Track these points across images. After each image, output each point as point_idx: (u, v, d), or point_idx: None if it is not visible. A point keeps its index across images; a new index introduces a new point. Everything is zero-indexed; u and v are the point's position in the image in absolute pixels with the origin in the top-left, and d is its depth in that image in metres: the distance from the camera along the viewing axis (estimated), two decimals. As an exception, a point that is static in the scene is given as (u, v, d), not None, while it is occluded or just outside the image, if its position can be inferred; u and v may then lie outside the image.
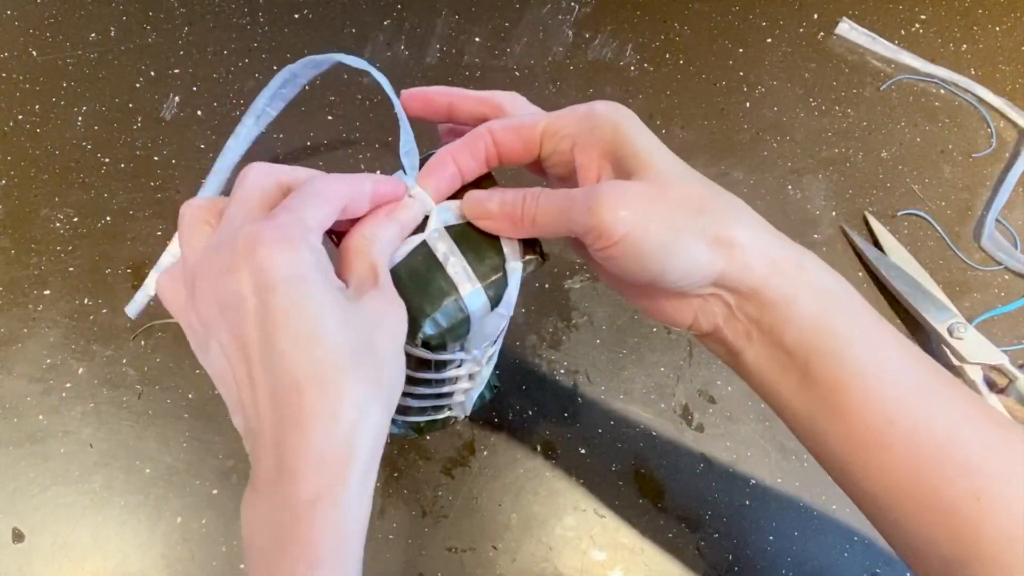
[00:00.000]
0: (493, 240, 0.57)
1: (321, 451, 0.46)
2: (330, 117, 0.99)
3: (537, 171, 0.61)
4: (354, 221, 0.55)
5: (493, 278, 0.56)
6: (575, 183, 0.56)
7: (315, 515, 0.46)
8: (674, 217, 0.50)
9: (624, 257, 0.50)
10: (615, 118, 0.54)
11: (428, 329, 0.55)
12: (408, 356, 0.57)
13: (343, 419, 0.46)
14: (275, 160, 0.93)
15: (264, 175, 0.53)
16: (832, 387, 0.50)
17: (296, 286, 0.46)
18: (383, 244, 0.54)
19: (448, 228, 0.57)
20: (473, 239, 0.57)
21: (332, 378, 0.46)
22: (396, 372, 0.52)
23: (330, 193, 0.52)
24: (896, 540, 0.53)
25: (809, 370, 0.51)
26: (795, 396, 0.53)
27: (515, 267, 0.57)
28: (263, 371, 0.46)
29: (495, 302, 0.56)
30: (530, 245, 0.57)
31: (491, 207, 0.56)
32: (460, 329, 0.56)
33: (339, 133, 0.99)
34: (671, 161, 0.53)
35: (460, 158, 0.57)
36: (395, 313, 0.51)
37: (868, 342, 0.50)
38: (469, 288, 0.55)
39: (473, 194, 0.57)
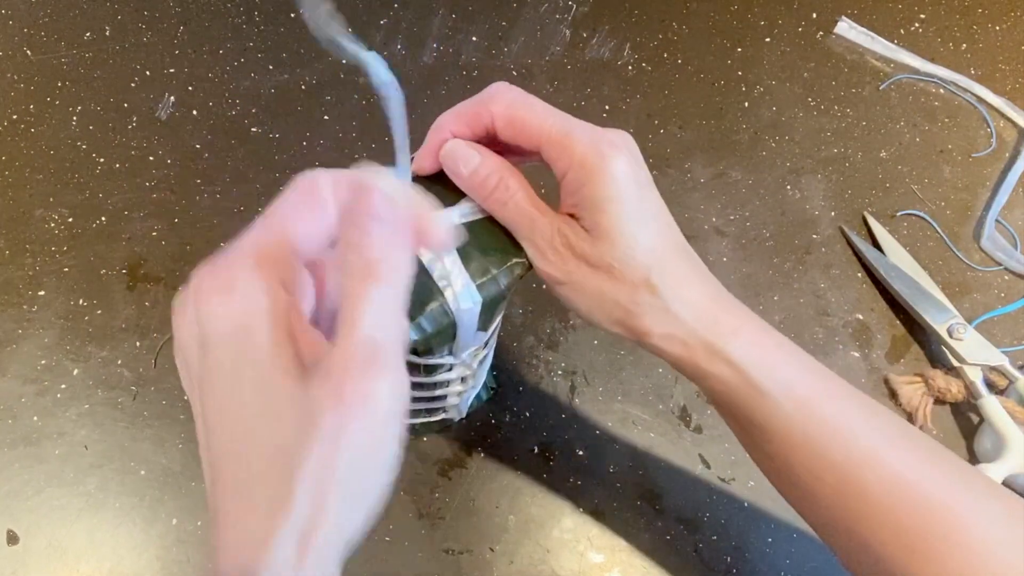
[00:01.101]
0: (485, 245, 0.57)
1: (229, 551, 0.38)
2: (326, 117, 0.99)
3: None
4: None
5: (480, 281, 0.55)
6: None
7: None
8: (599, 301, 0.54)
9: (564, 297, 0.56)
10: (600, 185, 0.52)
11: (413, 334, 0.54)
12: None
13: (247, 533, 0.38)
14: (273, 162, 0.93)
15: (314, 179, 0.48)
16: (759, 435, 0.55)
17: (228, 346, 0.39)
18: (395, 329, 0.42)
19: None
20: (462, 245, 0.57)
21: (243, 483, 0.38)
22: (342, 495, 0.39)
23: (314, 203, 0.47)
24: (853, 569, 0.56)
25: (737, 422, 0.57)
26: (750, 449, 0.60)
27: (501, 272, 0.56)
28: (203, 436, 0.40)
29: (485, 307, 0.56)
30: (518, 249, 0.57)
31: (462, 170, 0.55)
32: (446, 334, 0.56)
33: (335, 133, 0.99)
34: (624, 242, 0.52)
35: (458, 131, 0.56)
36: (360, 401, 0.38)
37: (786, 414, 0.52)
38: (454, 293, 0.55)
39: (455, 145, 0.56)
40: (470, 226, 0.57)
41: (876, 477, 0.50)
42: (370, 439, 0.38)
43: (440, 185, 0.57)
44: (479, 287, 0.55)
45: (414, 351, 0.57)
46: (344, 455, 0.38)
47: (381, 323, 0.40)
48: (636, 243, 0.52)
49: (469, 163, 0.55)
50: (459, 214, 0.57)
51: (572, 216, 0.54)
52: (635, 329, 0.54)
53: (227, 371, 0.39)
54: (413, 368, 0.64)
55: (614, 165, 0.51)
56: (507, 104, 0.54)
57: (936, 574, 0.49)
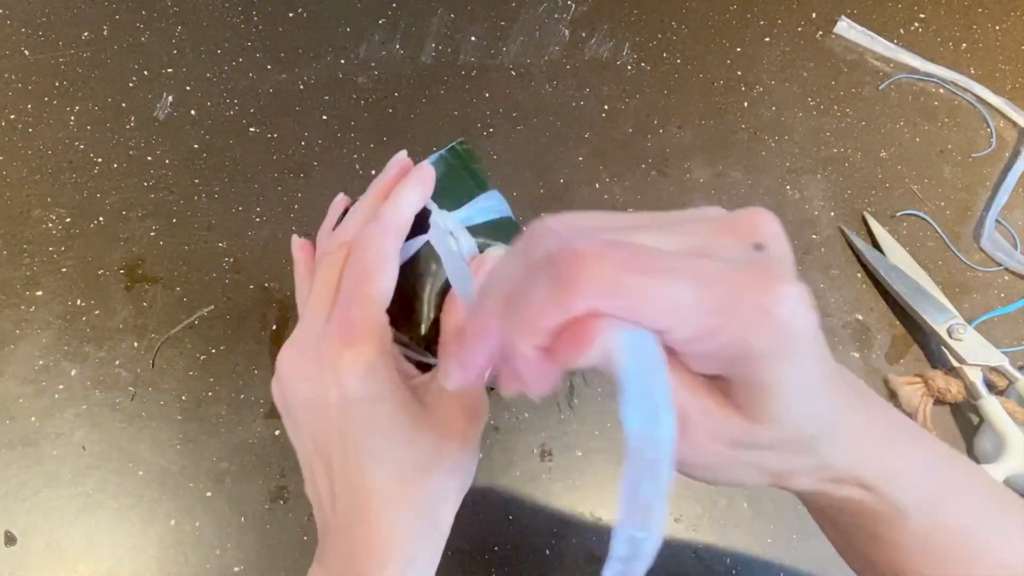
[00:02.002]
0: (501, 241, 0.57)
1: (382, 550, 0.52)
2: (325, 117, 0.99)
3: None
4: None
5: None
6: None
7: None
8: (747, 471, 0.43)
9: (691, 475, 0.43)
10: (768, 342, 0.35)
11: (427, 331, 0.55)
12: (407, 358, 0.57)
13: (402, 526, 0.53)
14: (271, 161, 0.93)
15: (328, 246, 0.60)
16: (889, 538, 0.50)
17: (371, 405, 0.52)
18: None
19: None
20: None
21: (396, 493, 0.52)
22: (468, 462, 0.59)
23: (384, 257, 0.55)
24: None
25: (869, 531, 0.51)
26: (850, 536, 0.54)
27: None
28: (339, 475, 0.53)
29: None
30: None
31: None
32: None
33: (334, 132, 0.99)
34: (800, 417, 0.39)
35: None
36: (465, 420, 0.57)
37: (920, 537, 0.49)
38: (464, 290, 0.55)
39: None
40: (496, 223, 0.57)
41: (986, 570, 0.49)
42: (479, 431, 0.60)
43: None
44: None
45: (428, 349, 0.57)
46: (475, 438, 0.59)
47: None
48: (809, 421, 0.40)
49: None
50: (479, 206, 0.58)
51: (711, 378, 0.40)
52: (779, 486, 0.45)
53: (371, 421, 0.52)
54: (421, 367, 0.64)
55: (797, 335, 0.35)
56: (596, 295, 0.34)
57: None
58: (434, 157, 0.62)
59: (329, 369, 0.52)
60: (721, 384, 0.39)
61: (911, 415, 0.87)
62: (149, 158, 0.97)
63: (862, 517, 0.49)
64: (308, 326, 0.56)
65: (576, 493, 0.84)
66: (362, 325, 0.53)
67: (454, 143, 0.63)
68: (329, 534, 0.55)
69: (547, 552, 0.81)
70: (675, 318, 0.34)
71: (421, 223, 0.59)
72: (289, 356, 0.56)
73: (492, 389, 0.85)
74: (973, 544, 0.50)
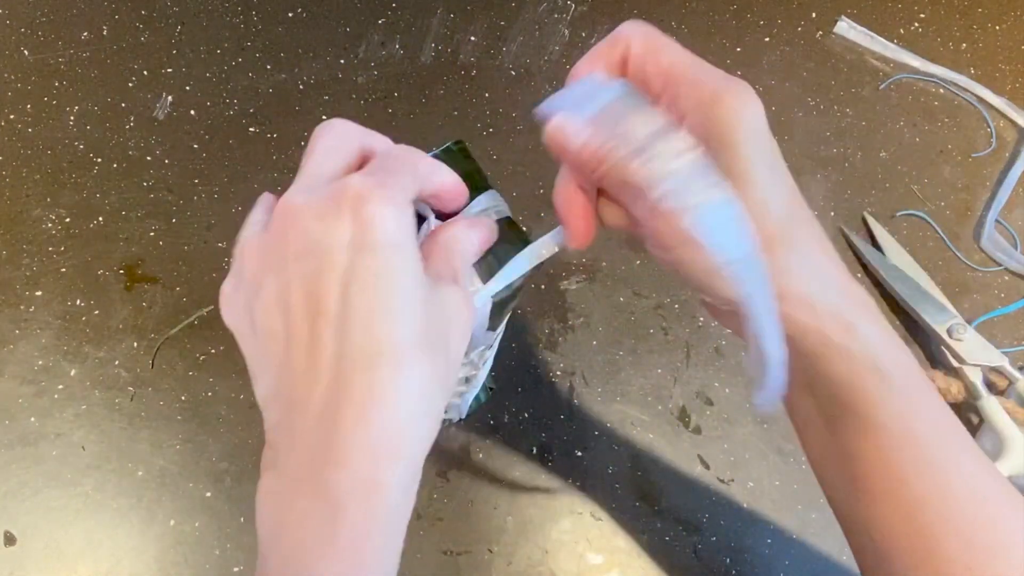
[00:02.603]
0: (496, 245, 0.56)
1: (379, 436, 0.42)
2: (324, 117, 0.98)
3: None
4: None
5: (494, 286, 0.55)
6: None
7: (364, 510, 0.42)
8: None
9: (676, 267, 0.48)
10: (733, 124, 0.45)
11: None
12: None
13: (407, 404, 0.43)
14: (271, 161, 0.93)
15: (348, 135, 0.51)
16: (851, 437, 0.50)
17: (396, 252, 0.43)
18: (469, 251, 0.51)
19: None
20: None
21: (406, 359, 0.43)
22: (456, 371, 0.50)
23: (420, 168, 0.49)
24: None
25: (832, 419, 0.52)
26: (816, 432, 0.54)
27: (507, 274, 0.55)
28: (333, 332, 0.42)
29: (495, 306, 0.57)
30: (522, 240, 0.57)
31: (572, 143, 0.48)
32: None
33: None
34: (759, 191, 0.46)
35: (591, 65, 0.52)
36: (469, 313, 0.49)
37: (898, 409, 0.49)
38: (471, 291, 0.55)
39: (562, 122, 0.48)
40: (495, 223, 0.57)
41: (960, 488, 0.49)
42: (470, 333, 0.50)
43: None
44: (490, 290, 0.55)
45: None
46: (466, 341, 0.49)
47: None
48: (774, 189, 0.47)
49: (578, 137, 0.48)
50: (479, 208, 0.57)
51: None
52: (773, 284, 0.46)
53: (392, 271, 0.43)
54: None
55: (752, 107, 0.46)
56: (644, 33, 0.50)
57: None
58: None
59: (349, 206, 0.43)
60: None
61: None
62: (149, 158, 0.97)
63: (848, 391, 0.49)
64: (313, 174, 0.47)
65: (576, 493, 0.84)
66: (398, 179, 0.46)
67: (450, 143, 0.63)
68: (294, 427, 0.44)
69: (547, 552, 0.81)
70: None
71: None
72: (297, 194, 0.45)
73: (493, 389, 0.85)
74: (948, 450, 0.50)
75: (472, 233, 0.52)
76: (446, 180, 0.51)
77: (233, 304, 0.48)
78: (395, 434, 0.43)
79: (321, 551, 0.42)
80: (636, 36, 0.50)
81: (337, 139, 0.50)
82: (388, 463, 0.43)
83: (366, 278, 0.42)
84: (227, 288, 0.49)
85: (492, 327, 0.60)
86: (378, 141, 0.52)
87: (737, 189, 0.45)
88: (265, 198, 0.51)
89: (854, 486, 0.52)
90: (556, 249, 0.54)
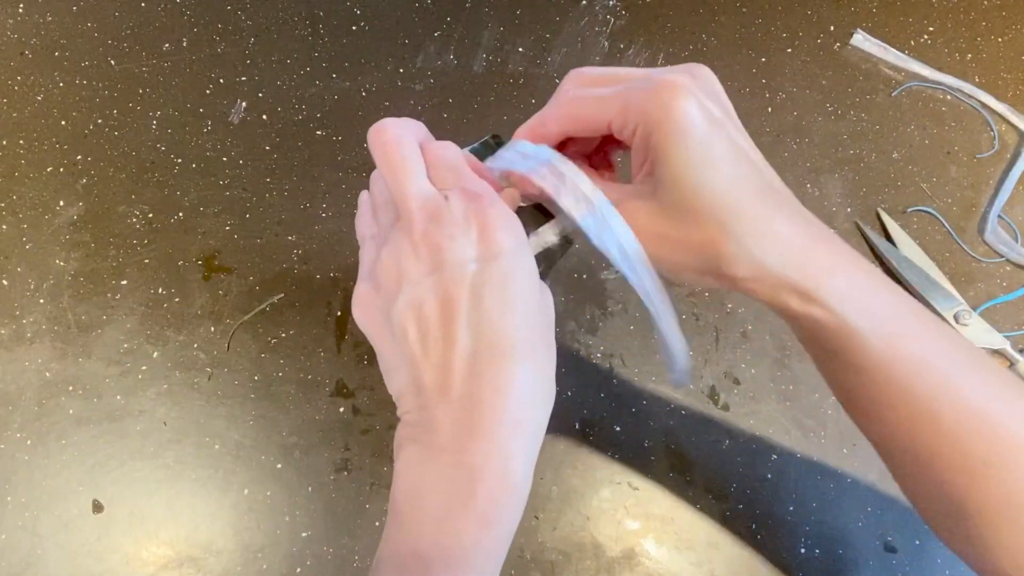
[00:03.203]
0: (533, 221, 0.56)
1: (514, 416, 0.47)
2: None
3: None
4: None
5: None
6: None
7: (497, 475, 0.46)
8: (674, 252, 0.50)
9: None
10: (660, 126, 0.47)
11: None
12: None
13: (535, 388, 0.48)
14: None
15: (411, 134, 0.52)
16: (851, 358, 0.50)
17: (516, 257, 0.47)
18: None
19: None
20: None
21: (530, 350, 0.48)
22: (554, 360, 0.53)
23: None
24: (907, 486, 0.55)
25: (825, 366, 0.53)
26: (820, 367, 0.54)
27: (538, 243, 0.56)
28: (467, 330, 0.46)
29: None
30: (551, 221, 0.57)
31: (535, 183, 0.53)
32: None
33: (333, 150, 0.97)
34: (694, 186, 0.47)
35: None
36: (551, 297, 0.52)
37: (879, 352, 0.49)
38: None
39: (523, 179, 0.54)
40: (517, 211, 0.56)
41: (949, 407, 0.48)
42: None
43: None
44: None
45: None
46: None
47: None
48: (703, 188, 0.47)
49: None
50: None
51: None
52: (723, 276, 0.49)
53: (514, 274, 0.47)
54: None
55: (676, 109, 0.47)
56: (556, 107, 0.54)
57: (994, 496, 0.48)
58: (466, 150, 0.61)
59: (476, 224, 0.46)
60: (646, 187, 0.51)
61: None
62: (224, 159, 0.97)
63: (828, 341, 0.50)
64: (422, 188, 0.49)
65: (615, 465, 0.84)
66: (511, 212, 0.50)
67: (487, 137, 0.62)
68: (435, 409, 0.47)
69: (588, 519, 0.81)
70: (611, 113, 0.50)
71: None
72: (419, 221, 0.48)
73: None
74: (933, 379, 0.49)
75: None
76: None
77: (367, 307, 0.51)
78: (523, 414, 0.47)
79: (461, 510, 0.46)
80: (551, 111, 0.55)
81: (408, 146, 0.51)
82: (518, 438, 0.47)
83: (494, 283, 0.46)
84: (362, 294, 0.52)
85: None
86: (415, 125, 0.54)
87: (670, 197, 0.48)
88: (364, 197, 0.56)
89: (863, 418, 0.53)
90: (555, 239, 0.56)
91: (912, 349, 0.49)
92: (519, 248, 0.47)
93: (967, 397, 0.48)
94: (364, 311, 0.51)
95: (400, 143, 0.51)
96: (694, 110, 0.47)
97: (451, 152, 0.53)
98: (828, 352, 0.51)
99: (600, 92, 0.51)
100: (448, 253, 0.46)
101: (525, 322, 0.47)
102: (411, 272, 0.47)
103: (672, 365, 0.55)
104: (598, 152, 0.60)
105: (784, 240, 0.49)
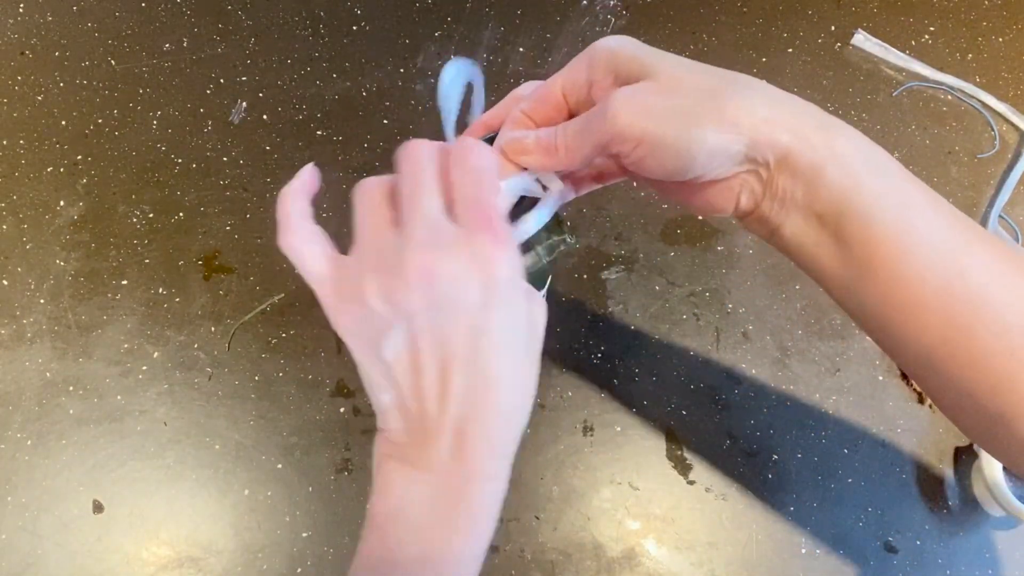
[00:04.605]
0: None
1: (498, 441, 0.48)
2: (385, 121, 0.99)
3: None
4: None
5: (522, 257, 0.54)
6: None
7: (480, 494, 0.48)
8: (685, 107, 0.46)
9: (650, 156, 0.48)
10: (611, 44, 0.51)
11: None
12: None
13: (516, 417, 0.49)
14: (336, 162, 0.93)
15: (432, 160, 0.50)
16: (863, 248, 0.46)
17: (512, 291, 0.47)
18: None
19: None
20: None
21: (519, 383, 0.48)
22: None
23: (493, 167, 0.51)
24: (938, 394, 0.52)
25: (841, 234, 0.47)
26: (831, 261, 0.49)
27: (543, 248, 0.57)
28: (463, 371, 0.46)
29: (528, 278, 0.55)
30: (560, 230, 0.57)
31: (528, 142, 0.53)
32: None
33: (393, 135, 0.98)
34: (677, 61, 0.49)
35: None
36: (544, 319, 0.51)
37: (898, 202, 0.46)
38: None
39: (511, 133, 0.55)
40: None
41: (979, 272, 0.45)
42: None
43: None
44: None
45: None
46: None
47: None
48: (693, 65, 0.49)
49: (527, 135, 0.54)
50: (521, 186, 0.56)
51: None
52: (740, 118, 0.46)
53: (511, 308, 0.47)
54: None
55: (614, 37, 0.52)
56: (521, 92, 0.58)
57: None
58: None
59: (479, 262, 0.45)
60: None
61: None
62: (225, 159, 0.97)
63: (848, 195, 0.46)
64: (423, 212, 0.48)
65: (616, 465, 0.84)
66: (499, 213, 0.48)
67: (492, 134, 0.63)
68: (427, 435, 0.47)
69: (589, 519, 0.81)
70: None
71: None
72: (427, 250, 0.46)
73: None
74: (962, 228, 0.47)
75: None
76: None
77: (357, 328, 0.49)
78: (506, 438, 0.49)
79: (443, 526, 0.48)
80: (521, 97, 0.57)
81: (427, 169, 0.50)
82: (499, 461, 0.49)
83: (493, 327, 0.46)
84: (350, 318, 0.50)
85: None
86: (450, 149, 0.51)
87: (654, 72, 0.48)
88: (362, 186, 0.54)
89: (881, 302, 0.49)
90: (550, 212, 0.55)
91: (930, 206, 0.47)
92: (513, 280, 0.47)
93: (993, 266, 0.46)
94: (346, 317, 0.50)
95: (424, 159, 0.50)
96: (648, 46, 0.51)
97: (473, 175, 0.50)
98: (844, 215, 0.47)
99: (542, 85, 0.55)
100: (448, 293, 0.45)
101: (518, 360, 0.48)
102: (405, 305, 0.46)
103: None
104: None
105: (788, 97, 0.48)
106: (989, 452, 0.54)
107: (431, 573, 0.48)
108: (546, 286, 0.64)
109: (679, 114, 0.46)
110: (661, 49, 0.50)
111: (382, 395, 0.49)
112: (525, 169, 0.54)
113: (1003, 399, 0.46)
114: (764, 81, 0.48)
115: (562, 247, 0.56)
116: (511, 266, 0.46)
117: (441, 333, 0.45)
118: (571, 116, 0.54)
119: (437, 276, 0.45)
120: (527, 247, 0.55)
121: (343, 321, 0.50)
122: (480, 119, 0.61)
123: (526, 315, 0.48)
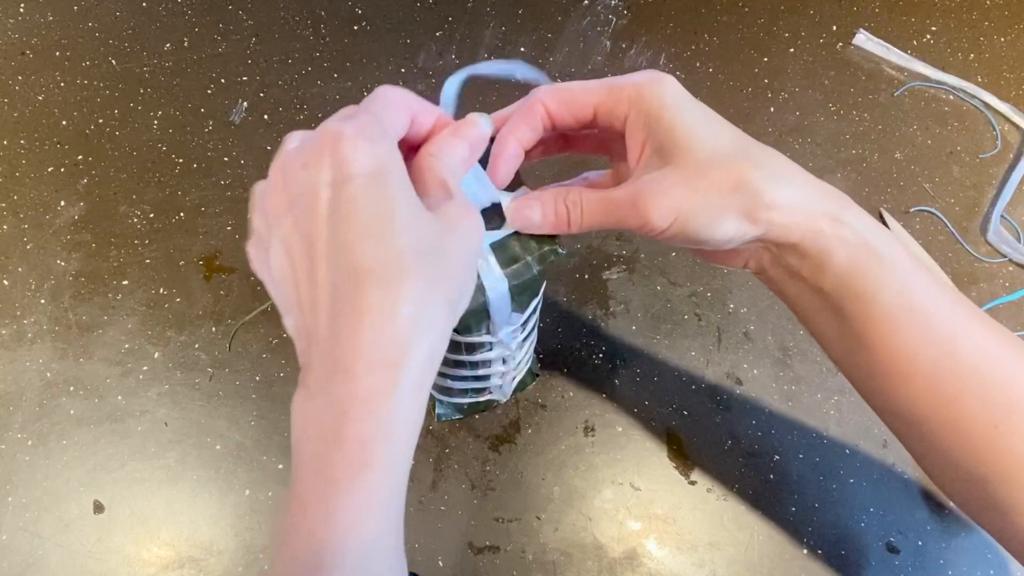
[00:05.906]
0: (521, 235, 0.56)
1: (375, 348, 0.42)
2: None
3: (576, 134, 0.62)
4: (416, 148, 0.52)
5: (512, 268, 0.55)
6: (620, 150, 0.55)
7: (366, 415, 0.43)
8: (711, 201, 0.49)
9: (675, 238, 0.51)
10: (658, 104, 0.51)
11: None
12: None
13: (400, 316, 0.42)
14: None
15: (397, 101, 0.49)
16: (863, 324, 0.51)
17: (373, 179, 0.43)
18: (453, 161, 0.50)
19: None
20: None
21: (394, 274, 0.42)
22: (466, 277, 0.49)
23: (401, 103, 0.49)
24: (922, 458, 0.56)
25: (842, 310, 0.51)
26: (829, 328, 0.54)
27: (533, 258, 0.56)
28: (326, 263, 0.43)
29: (516, 291, 0.56)
30: (551, 238, 0.56)
31: (535, 218, 0.54)
32: (480, 312, 0.56)
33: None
34: (707, 141, 0.50)
35: (520, 134, 0.56)
36: (470, 221, 0.48)
37: (899, 288, 0.49)
38: (487, 275, 0.54)
39: (516, 206, 0.55)
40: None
41: (970, 351, 0.49)
42: (479, 236, 0.49)
43: None
44: (512, 272, 0.55)
45: (454, 330, 0.55)
46: (473, 245, 0.48)
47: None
48: (719, 136, 0.51)
49: (535, 210, 0.55)
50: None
51: (647, 158, 0.53)
52: (759, 211, 0.49)
53: (371, 196, 0.42)
54: (455, 347, 0.65)
55: (669, 85, 0.51)
56: (549, 90, 0.55)
57: (1013, 456, 0.49)
58: None
59: (329, 149, 0.43)
60: (652, 155, 0.52)
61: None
62: (226, 159, 0.97)
63: (854, 272, 0.50)
64: (306, 136, 0.47)
65: (616, 465, 0.83)
66: (372, 116, 0.46)
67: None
68: (311, 351, 0.44)
69: (590, 519, 0.81)
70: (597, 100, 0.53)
71: None
72: (286, 152, 0.46)
73: (538, 375, 0.85)
74: (948, 323, 0.50)
75: (455, 143, 0.51)
76: (437, 114, 0.53)
77: (255, 258, 0.49)
78: (391, 344, 0.43)
79: (332, 454, 0.43)
80: (546, 97, 0.55)
81: (384, 105, 0.49)
82: (386, 371, 0.43)
83: (346, 207, 0.42)
84: (250, 246, 0.50)
85: (518, 309, 0.60)
86: (426, 107, 0.52)
87: (691, 151, 0.50)
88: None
89: (873, 371, 0.53)
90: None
91: (931, 289, 0.50)
92: (379, 169, 0.43)
93: (983, 343, 0.49)
94: (253, 261, 0.50)
95: (383, 102, 0.49)
96: (680, 87, 0.52)
97: (380, 100, 0.50)
98: (847, 295, 0.51)
99: (580, 83, 0.55)
100: (303, 181, 0.43)
101: (387, 245, 0.43)
102: (276, 210, 0.45)
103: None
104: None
105: (800, 174, 0.51)
106: (971, 516, 0.56)
107: (325, 506, 0.43)
108: (539, 295, 0.64)
109: (705, 209, 0.49)
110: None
111: (287, 321, 0.47)
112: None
113: (985, 465, 0.50)
114: (784, 157, 0.51)
115: (552, 257, 0.56)
116: (366, 144, 0.43)
117: (303, 228, 0.43)
118: (590, 126, 0.56)
119: (292, 170, 0.44)
120: (517, 259, 0.55)
121: (251, 263, 0.50)
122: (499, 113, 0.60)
123: (398, 198, 0.44)
